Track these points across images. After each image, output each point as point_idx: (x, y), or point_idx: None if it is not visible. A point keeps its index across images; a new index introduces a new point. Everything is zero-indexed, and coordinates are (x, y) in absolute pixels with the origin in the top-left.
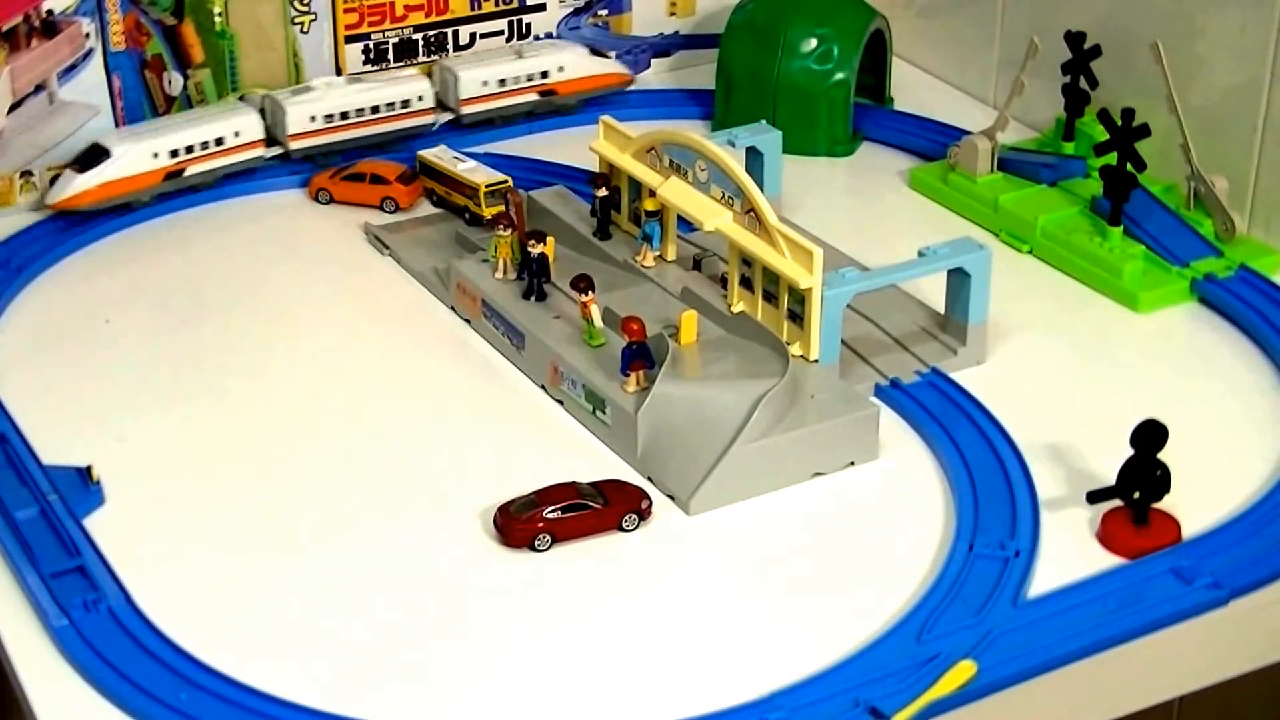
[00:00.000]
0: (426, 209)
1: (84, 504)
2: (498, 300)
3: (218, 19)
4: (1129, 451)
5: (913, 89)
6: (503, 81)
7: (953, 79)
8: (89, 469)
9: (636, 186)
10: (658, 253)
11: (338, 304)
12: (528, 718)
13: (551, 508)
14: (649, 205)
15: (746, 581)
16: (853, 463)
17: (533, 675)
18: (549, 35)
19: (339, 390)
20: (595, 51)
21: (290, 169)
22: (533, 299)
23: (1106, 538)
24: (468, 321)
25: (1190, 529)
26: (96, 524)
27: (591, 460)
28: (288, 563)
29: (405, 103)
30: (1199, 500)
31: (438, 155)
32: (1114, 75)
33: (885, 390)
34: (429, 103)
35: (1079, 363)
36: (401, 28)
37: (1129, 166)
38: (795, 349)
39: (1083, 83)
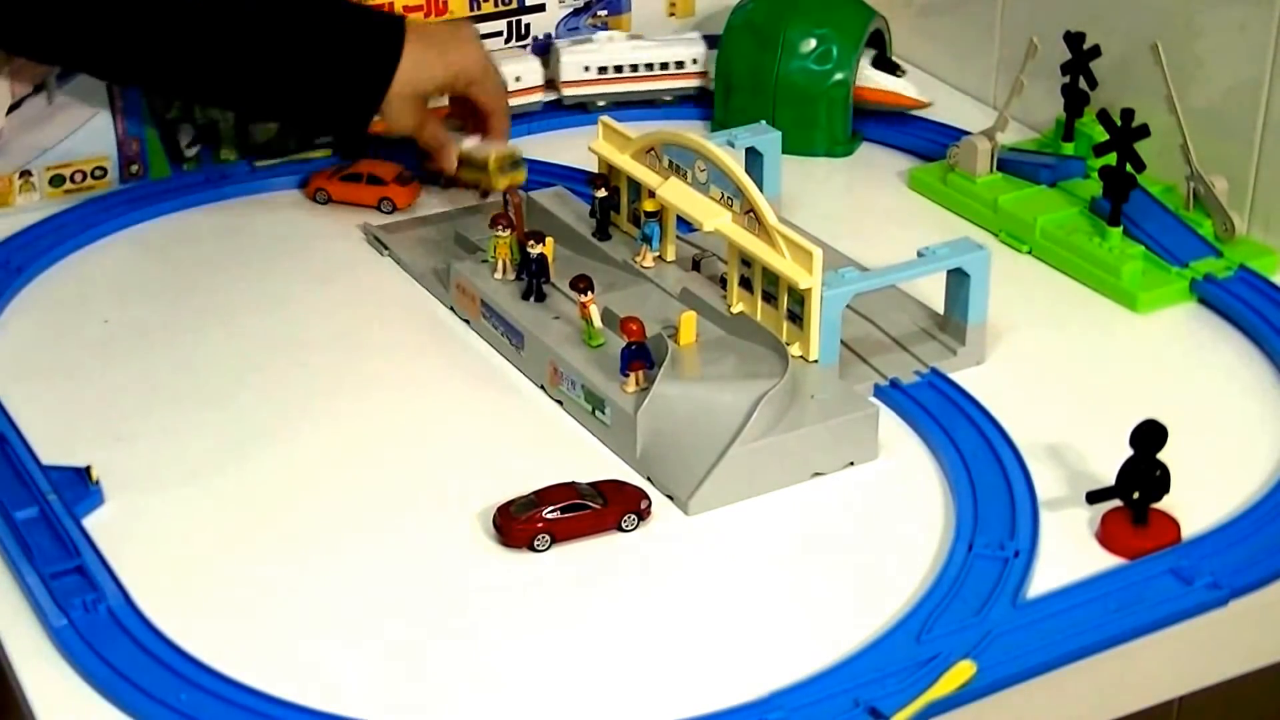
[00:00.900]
0: (425, 209)
1: (83, 504)
2: (497, 301)
3: None
4: (1128, 452)
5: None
6: None
7: (952, 79)
8: (88, 469)
9: (636, 187)
10: (657, 253)
11: (337, 304)
12: (527, 717)
13: (551, 508)
14: (648, 206)
15: (745, 581)
16: (852, 463)
17: (532, 675)
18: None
19: (338, 390)
20: (883, 65)
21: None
22: (532, 299)
23: (1106, 538)
24: (467, 322)
25: (1190, 529)
26: (96, 524)
27: (591, 460)
28: (287, 562)
29: (679, 64)
30: (1198, 500)
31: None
32: (1113, 75)
33: (885, 390)
34: (701, 67)
35: (1078, 363)
36: None
37: (1128, 167)
38: (795, 349)
39: (1082, 83)
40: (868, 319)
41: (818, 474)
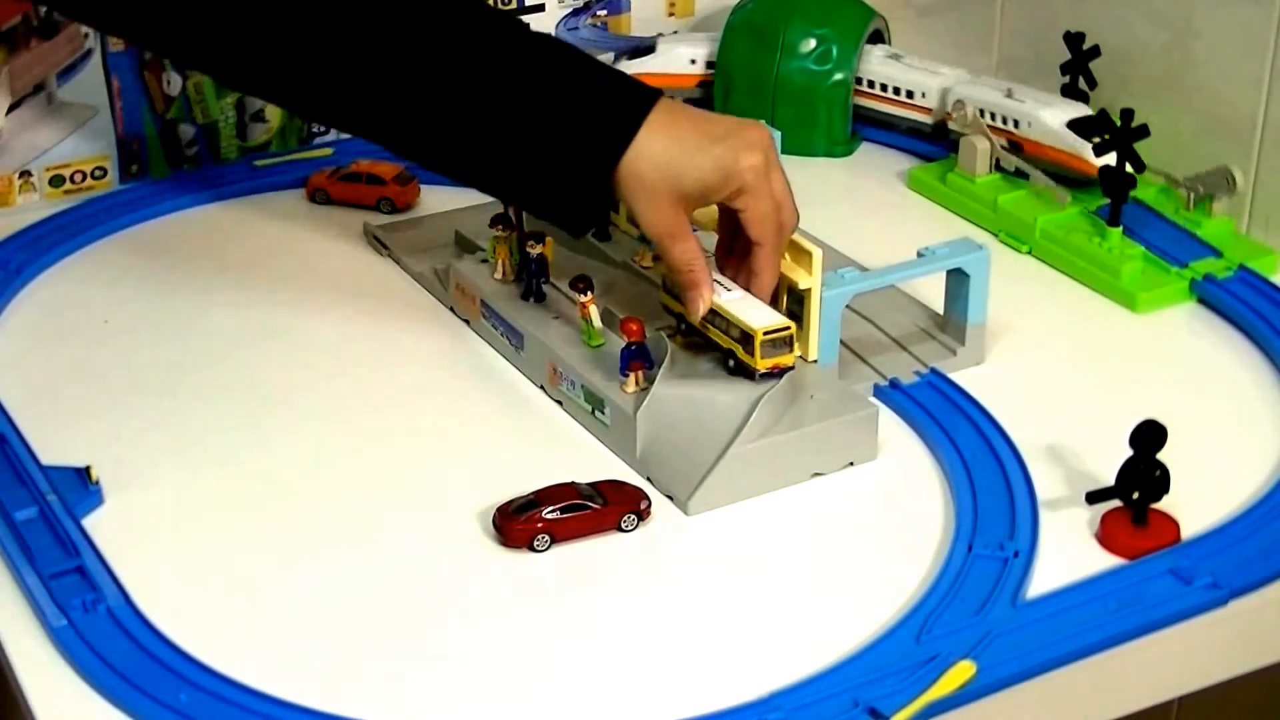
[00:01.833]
0: (425, 209)
1: (83, 504)
2: (497, 301)
3: None
4: (1128, 452)
5: None
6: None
7: None
8: (88, 469)
9: None
10: (655, 253)
11: (336, 304)
12: (527, 716)
13: (550, 508)
14: None
15: (745, 582)
16: (852, 463)
17: (532, 675)
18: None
19: (338, 390)
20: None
21: None
22: (532, 300)
23: (1106, 538)
24: (467, 322)
25: (1189, 529)
26: (95, 524)
27: (590, 460)
28: (287, 563)
29: (910, 94)
30: (1198, 500)
31: None
32: (1113, 76)
33: (884, 390)
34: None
35: (1078, 363)
36: None
37: (1128, 167)
38: (794, 349)
39: (1082, 83)
40: (867, 319)
41: (817, 474)
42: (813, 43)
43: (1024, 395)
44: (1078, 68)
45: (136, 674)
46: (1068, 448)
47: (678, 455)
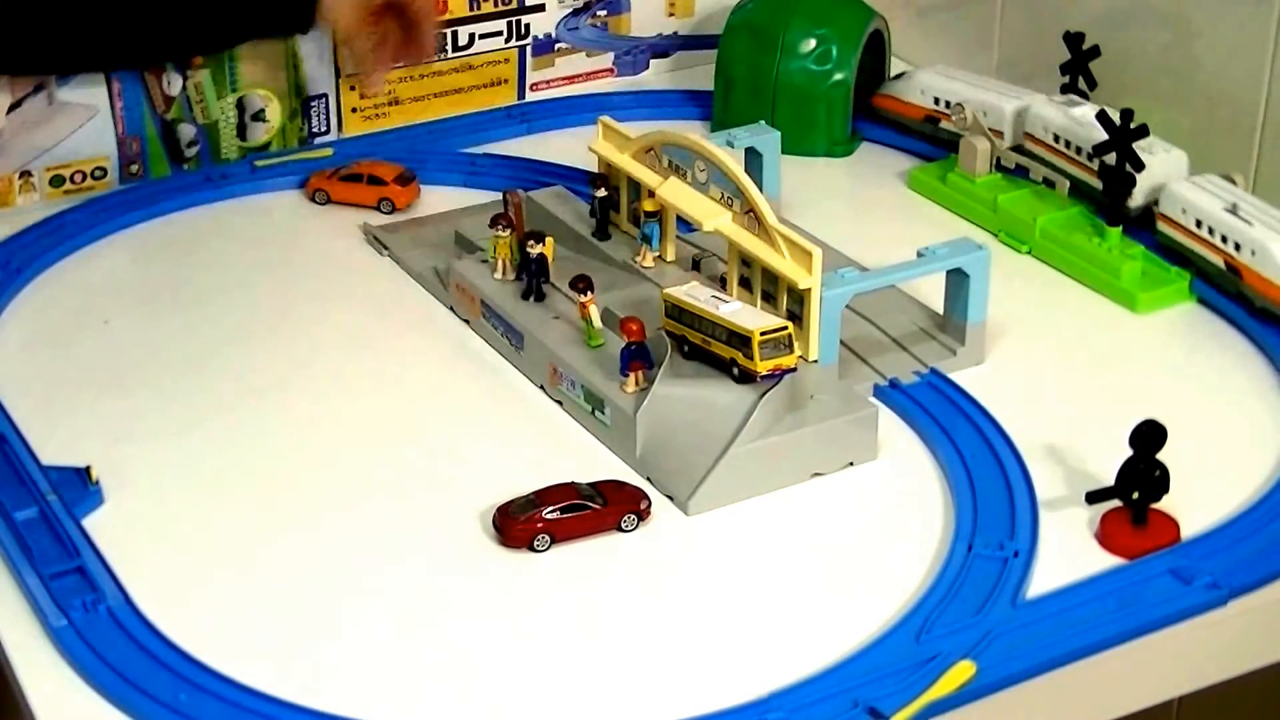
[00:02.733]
0: (425, 209)
1: (83, 504)
2: (497, 301)
3: None
4: (1128, 452)
5: None
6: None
7: None
8: (88, 469)
9: (635, 187)
10: (657, 253)
11: (336, 305)
12: (527, 716)
13: (550, 508)
14: (648, 206)
15: (745, 582)
16: (852, 463)
17: (532, 675)
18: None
19: (338, 391)
20: None
21: None
22: (532, 299)
23: (1105, 538)
24: (467, 322)
25: (1189, 529)
26: (96, 524)
27: (590, 460)
28: (288, 563)
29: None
30: (1198, 500)
31: (690, 294)
32: (1113, 75)
33: (884, 390)
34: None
35: (1078, 363)
36: None
37: (1127, 166)
38: (795, 350)
39: (1082, 83)
40: (867, 319)
41: (817, 474)
42: (812, 43)
43: (1024, 395)
44: (1078, 68)
45: (136, 674)
46: (1067, 448)
47: (678, 455)
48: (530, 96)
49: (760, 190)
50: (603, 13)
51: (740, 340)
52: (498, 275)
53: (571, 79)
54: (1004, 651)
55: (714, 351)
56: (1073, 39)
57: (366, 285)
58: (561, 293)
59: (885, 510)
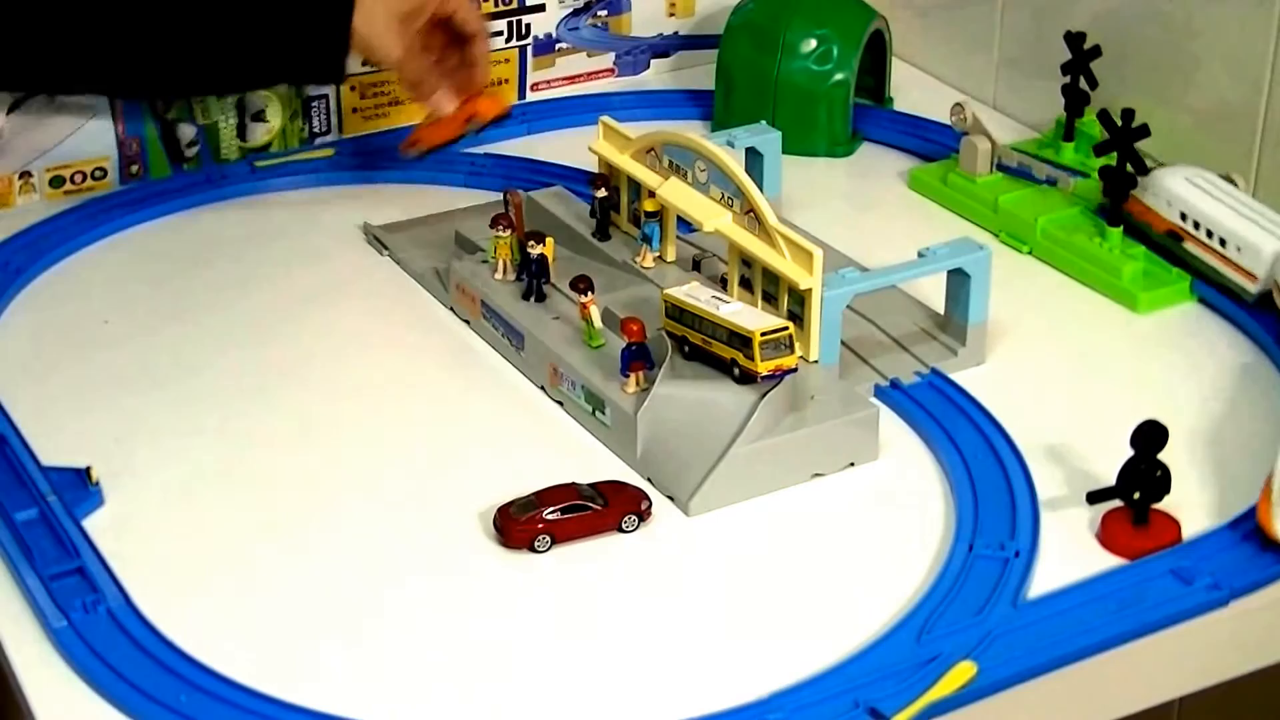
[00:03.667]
0: (425, 209)
1: (83, 505)
2: (497, 301)
3: None
4: (1129, 452)
5: (912, 89)
6: None
7: (952, 79)
8: (88, 470)
9: (636, 187)
10: (657, 253)
11: (336, 304)
12: (528, 717)
13: (551, 509)
14: (648, 206)
15: (745, 582)
16: (853, 463)
17: (532, 676)
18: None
19: (338, 391)
20: None
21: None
22: (532, 300)
23: (1106, 538)
24: (467, 322)
25: (1190, 530)
26: (96, 525)
27: (591, 461)
28: (288, 564)
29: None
30: (1199, 501)
31: (690, 294)
32: (1114, 75)
33: (885, 391)
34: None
35: (1079, 363)
36: None
37: (1128, 167)
38: (796, 350)
39: (1082, 83)
40: (868, 319)
41: (818, 475)
42: (813, 43)
43: (1025, 395)
44: (1078, 68)
45: (136, 675)
46: (1069, 448)
47: (678, 456)
48: (531, 96)
49: (761, 190)
50: (603, 13)
51: (741, 341)
52: (498, 275)
53: (572, 79)
54: (1005, 652)
55: (715, 352)
56: (1074, 39)
57: (366, 285)
58: (562, 293)
59: (886, 511)
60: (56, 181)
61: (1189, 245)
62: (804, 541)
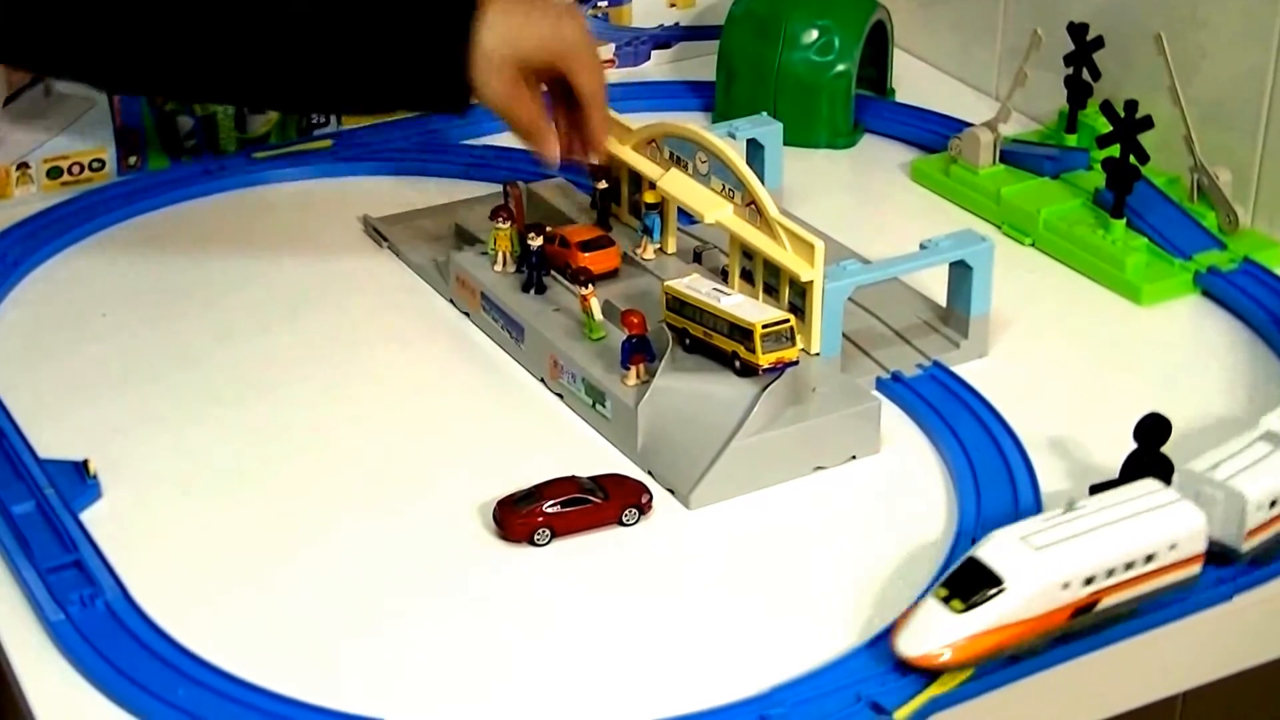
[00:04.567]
0: (425, 200)
1: (81, 498)
2: (497, 293)
3: None
4: (1132, 445)
5: (914, 80)
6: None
7: (955, 70)
8: (86, 463)
9: (636, 179)
10: (658, 245)
11: (336, 297)
12: (527, 711)
13: (551, 502)
14: (649, 197)
15: (747, 576)
16: (854, 456)
17: (532, 669)
18: None
19: (337, 383)
20: None
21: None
22: (532, 292)
23: None
24: (467, 314)
25: None
26: (93, 518)
27: (591, 454)
28: (287, 556)
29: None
30: None
31: (691, 286)
32: (1117, 67)
33: (887, 383)
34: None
35: (1081, 356)
36: None
37: (1132, 159)
38: (797, 343)
39: (1085, 74)
40: (870, 312)
41: (819, 468)
42: (815, 34)
43: (1027, 388)
44: (1081, 59)
45: (135, 669)
46: (1071, 441)
47: (679, 449)
48: None
49: (762, 182)
50: (604, 3)
51: (742, 333)
52: (498, 267)
53: None
54: None
55: (715, 344)
56: (1076, 30)
57: (366, 277)
58: (562, 285)
59: (888, 504)
60: (54, 173)
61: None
62: (805, 535)
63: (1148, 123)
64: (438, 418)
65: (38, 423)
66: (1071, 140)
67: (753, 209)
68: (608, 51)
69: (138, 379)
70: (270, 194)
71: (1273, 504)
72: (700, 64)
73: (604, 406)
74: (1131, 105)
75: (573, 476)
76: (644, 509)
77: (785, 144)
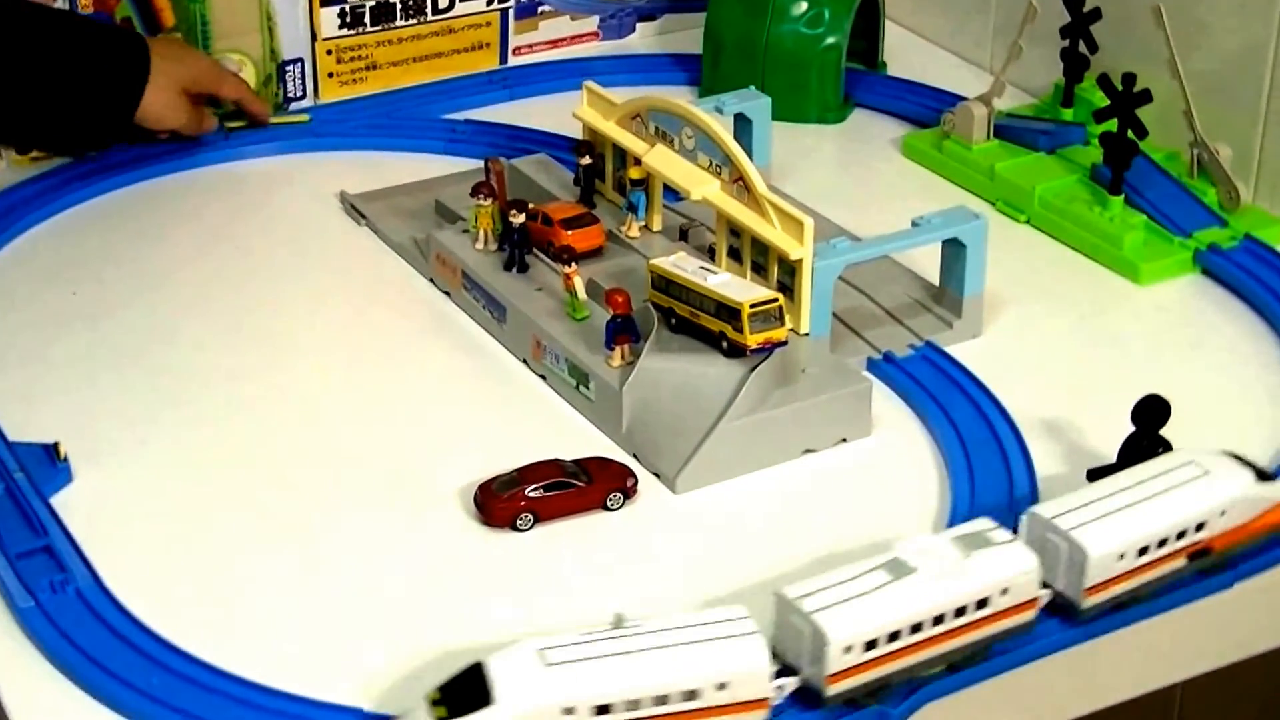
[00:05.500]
0: (404, 177)
1: (51, 482)
2: (478, 272)
3: None
4: (1130, 428)
5: (906, 53)
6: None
7: (947, 43)
8: (56, 445)
9: (621, 154)
10: (643, 223)
11: (312, 276)
12: None
13: (534, 486)
14: (634, 174)
15: (734, 562)
16: (845, 439)
17: None
18: None
19: (314, 365)
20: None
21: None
22: (514, 270)
23: None
24: (447, 294)
25: None
26: (64, 502)
27: (575, 437)
28: (261, 543)
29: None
30: None
31: (677, 265)
32: (1114, 39)
33: (878, 364)
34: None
35: (1078, 336)
36: None
37: (1130, 133)
38: (786, 323)
39: (1082, 47)
40: (860, 290)
41: (809, 451)
42: (804, 6)
43: (1022, 369)
44: (1078, 31)
45: (106, 656)
46: (1068, 423)
47: (665, 431)
48: (513, 61)
49: (750, 158)
50: None
51: (729, 313)
52: (479, 245)
53: (555, 43)
54: None
55: (702, 324)
56: (1072, 2)
57: (343, 256)
58: (545, 264)
59: (879, 488)
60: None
61: None
62: (795, 519)
63: (1146, 96)
64: (417, 400)
65: (6, 405)
66: (1068, 115)
67: (740, 185)
68: (592, 24)
69: (109, 359)
70: (244, 170)
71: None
72: (686, 37)
73: (588, 388)
74: (1129, 79)
75: (556, 460)
76: (629, 493)
77: (774, 119)
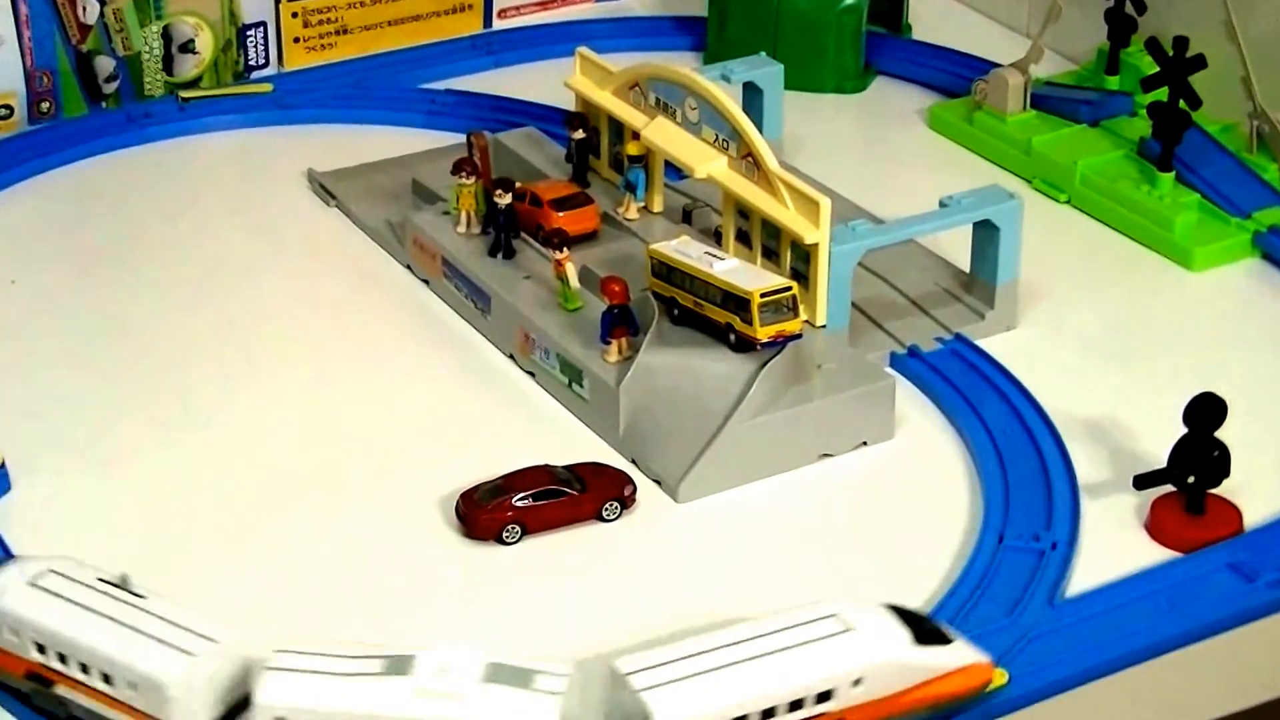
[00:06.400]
0: (378, 153)
1: None
2: (460, 258)
3: None
4: (1182, 430)
5: (933, 16)
6: None
7: (979, 4)
8: None
9: (618, 128)
10: (642, 204)
11: (276, 261)
12: None
13: (521, 495)
14: (632, 149)
15: (743, 579)
16: (865, 443)
17: None
18: None
19: (279, 360)
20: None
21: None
22: (500, 256)
23: (1156, 528)
24: (426, 282)
25: (1252, 518)
26: (2, 513)
27: (567, 440)
28: (219, 556)
29: None
30: (1261, 486)
31: (680, 250)
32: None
33: (902, 360)
34: None
35: (1124, 328)
36: None
37: (1181, 103)
38: (800, 313)
39: (1129, 7)
40: (882, 278)
41: (826, 455)
42: None
43: (1062, 365)
44: None
45: None
46: (1112, 424)
47: (666, 434)
48: (498, 24)
49: (760, 132)
50: None
51: (737, 303)
52: (461, 229)
53: (545, 5)
54: (1040, 657)
55: (707, 315)
56: None
57: (311, 239)
58: (534, 249)
59: (903, 496)
60: None
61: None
62: (809, 532)
63: (1200, 62)
64: (392, 399)
65: None
66: (1112, 83)
67: (749, 162)
68: None
69: (53, 356)
70: (204, 144)
71: None
72: None
73: (581, 386)
74: (1181, 43)
75: (545, 466)
76: (626, 502)
77: (786, 88)
